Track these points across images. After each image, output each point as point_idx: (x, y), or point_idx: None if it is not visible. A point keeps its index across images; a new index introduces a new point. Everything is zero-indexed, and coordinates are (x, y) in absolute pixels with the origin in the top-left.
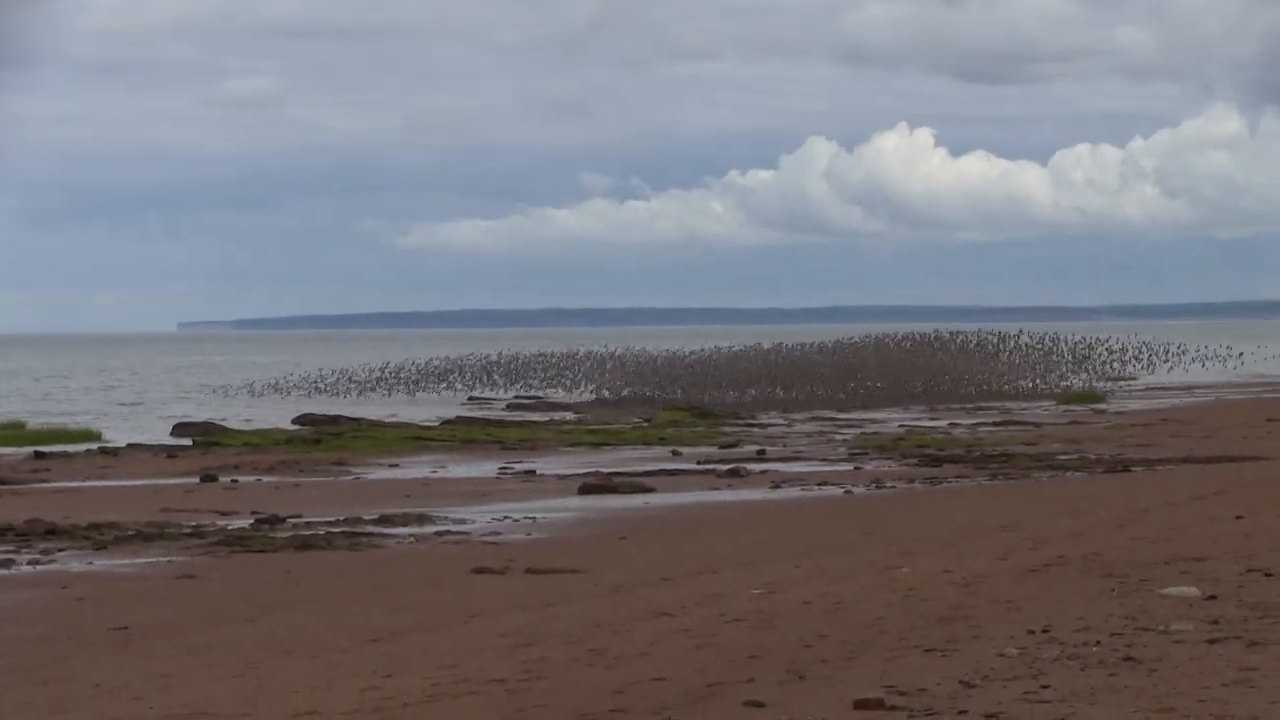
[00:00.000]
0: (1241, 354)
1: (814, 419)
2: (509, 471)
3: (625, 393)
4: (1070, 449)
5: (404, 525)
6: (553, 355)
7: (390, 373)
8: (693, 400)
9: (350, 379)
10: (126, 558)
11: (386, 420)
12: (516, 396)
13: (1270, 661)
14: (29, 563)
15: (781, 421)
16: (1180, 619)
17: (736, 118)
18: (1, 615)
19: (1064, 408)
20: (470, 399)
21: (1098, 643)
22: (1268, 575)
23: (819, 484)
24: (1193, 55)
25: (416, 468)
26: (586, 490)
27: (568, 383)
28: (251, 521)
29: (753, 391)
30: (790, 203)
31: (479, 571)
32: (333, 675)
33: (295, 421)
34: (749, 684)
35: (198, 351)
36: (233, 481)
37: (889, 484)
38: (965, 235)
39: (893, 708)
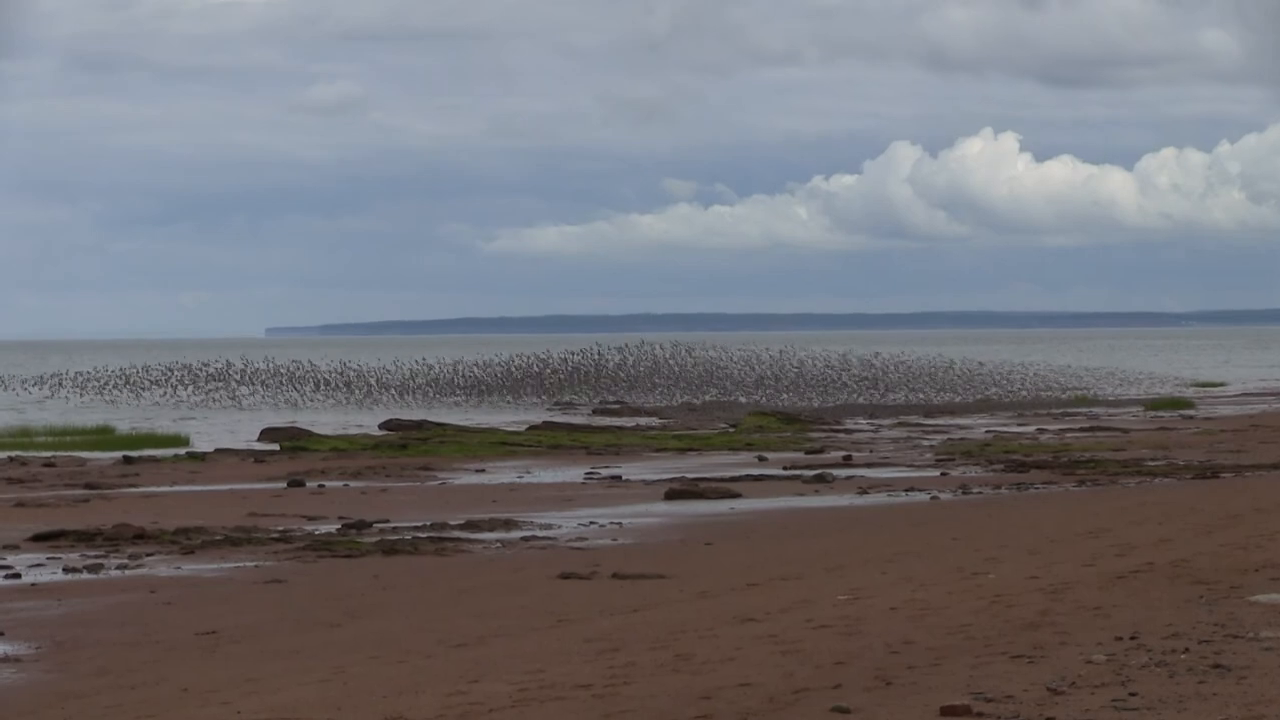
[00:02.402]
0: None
1: (900, 424)
2: (595, 477)
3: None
4: (1158, 455)
5: (490, 530)
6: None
7: (469, 376)
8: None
9: (436, 377)
10: (214, 562)
11: (472, 425)
12: (602, 401)
13: None
14: (118, 567)
15: (868, 427)
16: (1270, 626)
17: (819, 122)
18: (91, 619)
19: (1152, 413)
20: (555, 404)
21: (1186, 650)
22: None
23: (905, 490)
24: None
25: (503, 473)
26: (672, 495)
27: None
28: (338, 526)
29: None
30: (874, 208)
31: (565, 577)
32: (419, 680)
33: (382, 426)
34: (835, 690)
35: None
36: (320, 486)
37: (976, 490)
38: (1051, 240)
39: (980, 714)
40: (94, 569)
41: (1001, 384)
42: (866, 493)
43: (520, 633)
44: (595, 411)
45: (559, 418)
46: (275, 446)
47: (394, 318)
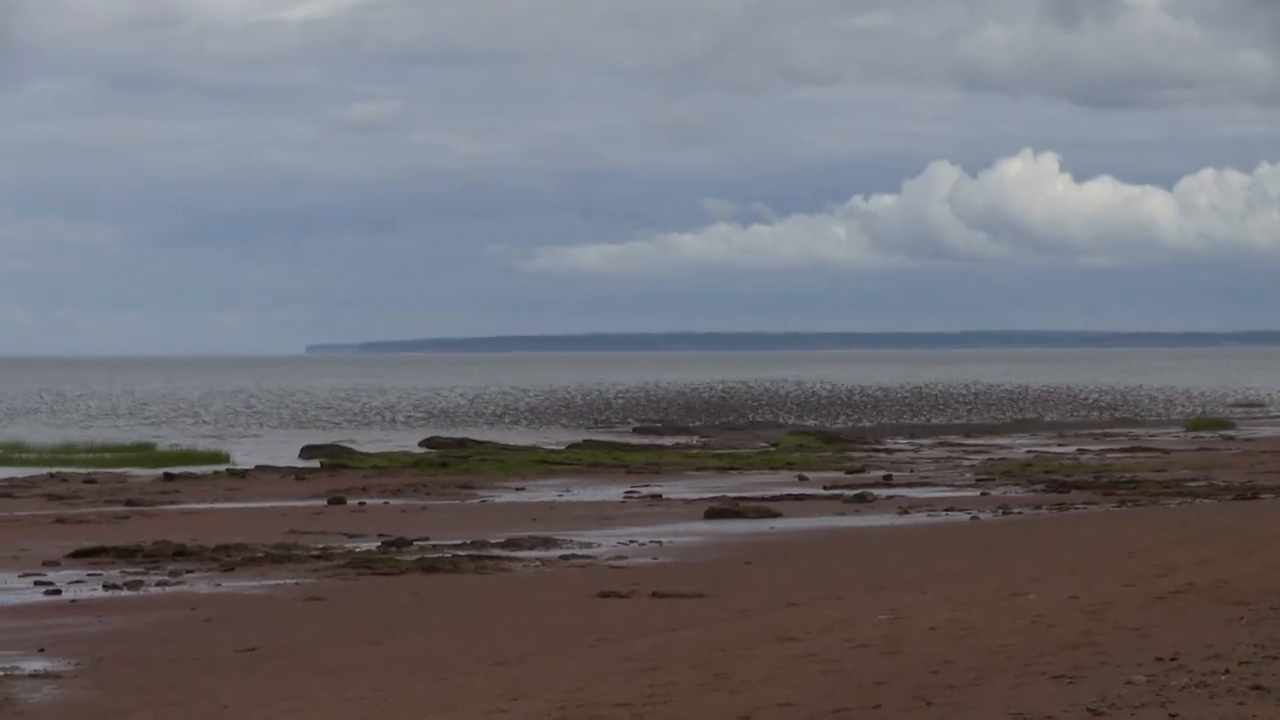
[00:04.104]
0: None
1: (941, 444)
2: (635, 495)
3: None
4: (1199, 475)
5: (530, 548)
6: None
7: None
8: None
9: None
10: (254, 579)
11: (513, 444)
12: (641, 420)
13: None
14: (158, 584)
15: (908, 446)
16: None
17: (857, 142)
18: (131, 636)
19: (1193, 434)
20: (596, 422)
21: (1226, 671)
22: None
23: (946, 510)
24: None
25: (542, 491)
26: (712, 514)
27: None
28: (379, 544)
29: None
30: (913, 227)
31: (605, 595)
32: (459, 698)
33: (422, 444)
34: (875, 710)
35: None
36: (360, 504)
37: (1016, 510)
38: (1090, 261)
39: None
40: (134, 585)
41: (1042, 404)
42: (907, 512)
43: (560, 651)
44: (635, 430)
45: (599, 436)
46: (316, 464)
47: (434, 336)
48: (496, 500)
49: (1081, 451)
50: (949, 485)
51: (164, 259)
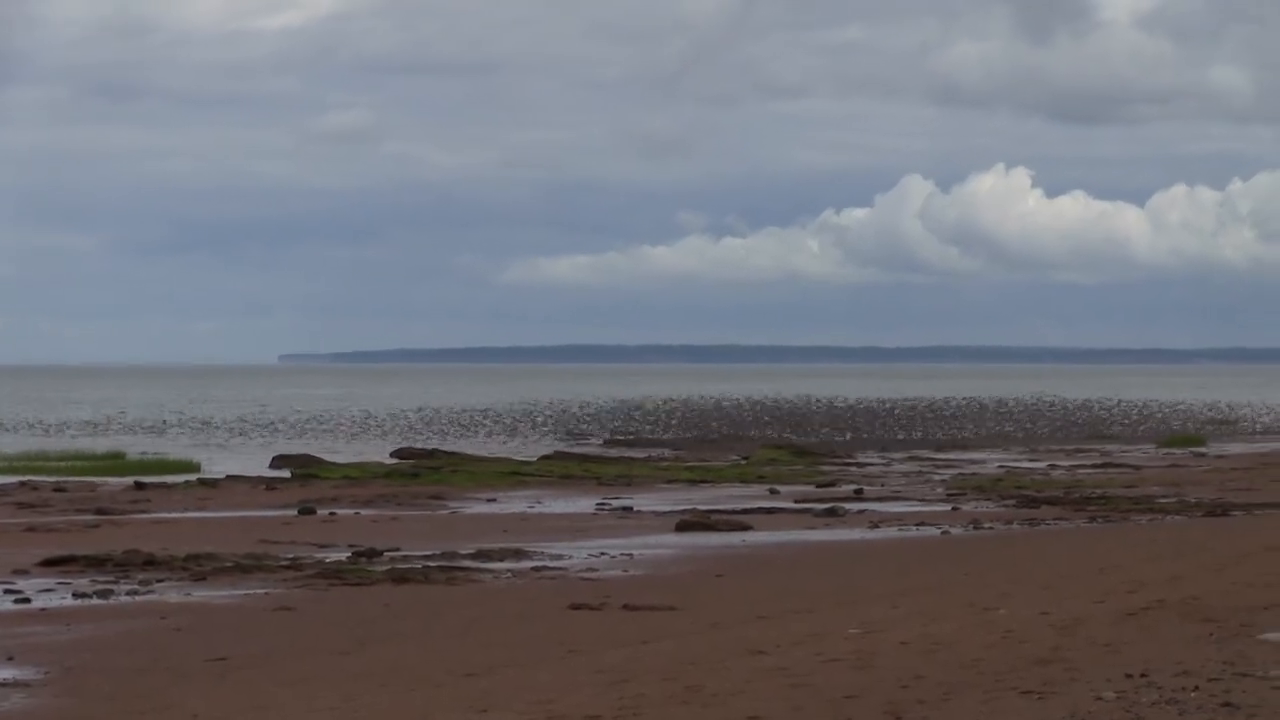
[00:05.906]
0: None
1: (912, 458)
2: (606, 507)
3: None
4: (1170, 492)
5: (501, 560)
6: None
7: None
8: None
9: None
10: (224, 589)
11: (484, 455)
12: (614, 432)
13: None
14: (127, 593)
15: (879, 461)
16: (1279, 665)
17: (831, 156)
18: (100, 644)
19: (1164, 450)
20: (568, 434)
21: (1196, 688)
22: None
23: (917, 524)
24: None
25: (514, 502)
26: (684, 527)
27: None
28: (349, 554)
29: None
30: (886, 242)
31: (575, 607)
32: (429, 709)
33: (393, 455)
34: None
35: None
36: (331, 514)
37: (987, 525)
38: (1062, 276)
39: None
40: (104, 594)
41: (1013, 419)
42: (878, 527)
43: (530, 663)
44: (607, 442)
45: (571, 447)
46: (287, 473)
47: (407, 346)
48: (467, 511)
49: (1053, 467)
50: (920, 500)
51: (142, 267)
